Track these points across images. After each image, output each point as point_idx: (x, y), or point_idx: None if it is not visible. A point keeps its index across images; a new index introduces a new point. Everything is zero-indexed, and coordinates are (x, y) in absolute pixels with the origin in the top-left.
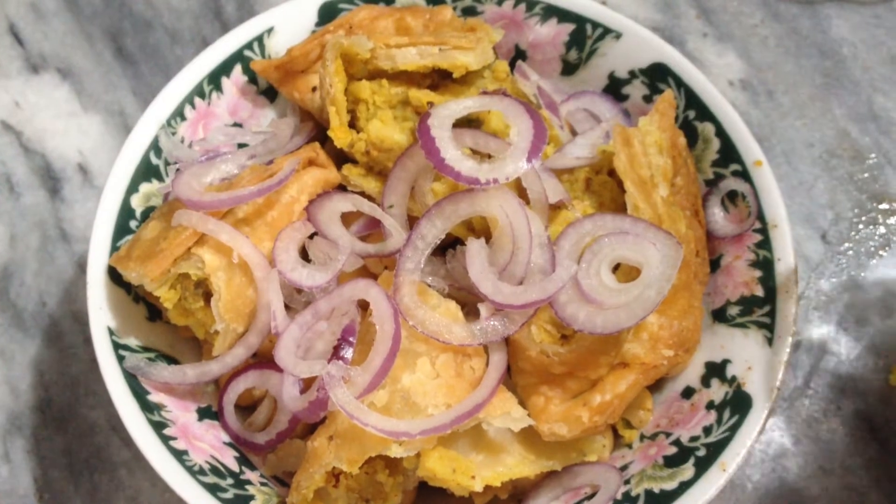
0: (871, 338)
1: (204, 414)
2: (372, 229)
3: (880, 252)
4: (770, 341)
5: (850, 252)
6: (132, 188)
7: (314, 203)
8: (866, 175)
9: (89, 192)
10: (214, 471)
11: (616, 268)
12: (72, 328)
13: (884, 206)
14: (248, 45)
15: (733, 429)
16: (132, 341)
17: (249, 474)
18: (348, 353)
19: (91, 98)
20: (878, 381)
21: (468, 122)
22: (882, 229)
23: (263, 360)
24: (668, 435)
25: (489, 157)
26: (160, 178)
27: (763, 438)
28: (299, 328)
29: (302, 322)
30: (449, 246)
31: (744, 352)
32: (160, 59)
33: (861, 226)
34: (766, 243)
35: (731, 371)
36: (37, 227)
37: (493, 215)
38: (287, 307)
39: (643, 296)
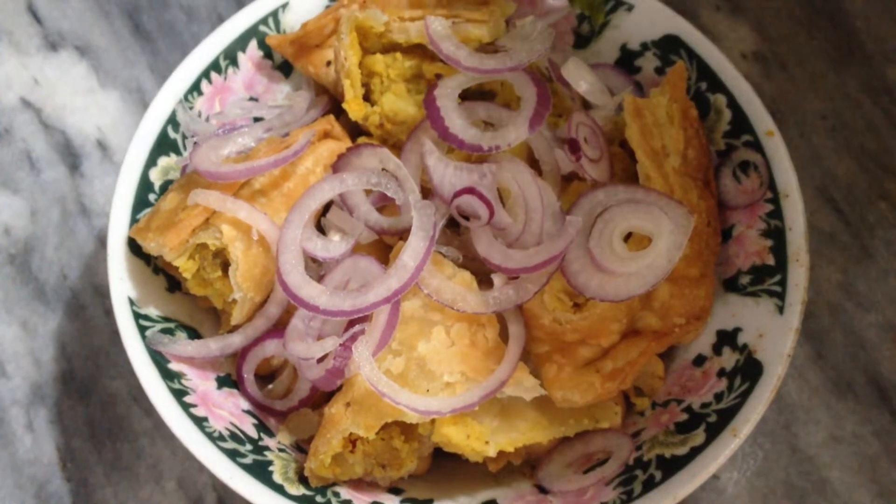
0: (882, 307)
1: (223, 382)
2: (388, 200)
3: (893, 223)
4: (781, 309)
5: (863, 223)
6: (150, 162)
7: (342, 158)
8: (879, 147)
9: (108, 168)
10: (234, 437)
11: (628, 237)
12: (93, 301)
13: None
14: (264, 21)
15: (744, 395)
16: (152, 311)
17: (268, 441)
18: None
19: (109, 75)
20: (890, 350)
21: (482, 95)
22: (895, 200)
23: (282, 328)
24: (679, 402)
25: None
26: (178, 152)
27: (774, 407)
28: (301, 321)
29: (303, 314)
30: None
31: (755, 320)
32: (177, 36)
33: (874, 197)
34: (777, 213)
35: (742, 339)
36: (57, 203)
37: (506, 186)
38: None
39: (654, 264)
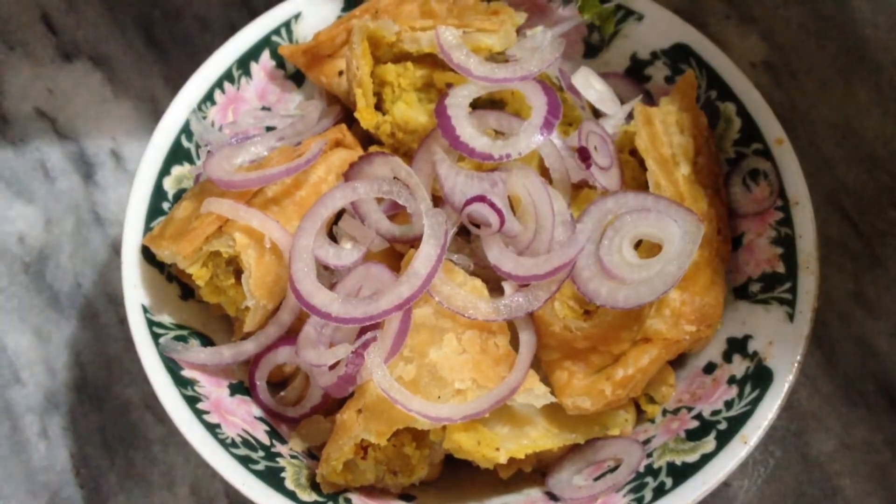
0: (893, 314)
1: (236, 389)
2: (399, 209)
3: None
4: (791, 317)
5: (873, 231)
6: (164, 171)
7: (355, 166)
8: (889, 155)
9: (122, 177)
10: (246, 444)
11: (638, 245)
12: (106, 309)
13: None
14: (276, 31)
15: (754, 402)
16: (166, 319)
17: (280, 447)
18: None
19: (123, 85)
20: None
21: (492, 104)
22: None
23: (294, 335)
24: (689, 409)
25: None
26: (191, 161)
27: (785, 415)
28: (313, 328)
29: (315, 321)
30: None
31: (765, 327)
32: (190, 47)
33: (884, 205)
34: (787, 220)
35: (752, 346)
36: (71, 212)
37: (517, 194)
38: None
39: (664, 271)
